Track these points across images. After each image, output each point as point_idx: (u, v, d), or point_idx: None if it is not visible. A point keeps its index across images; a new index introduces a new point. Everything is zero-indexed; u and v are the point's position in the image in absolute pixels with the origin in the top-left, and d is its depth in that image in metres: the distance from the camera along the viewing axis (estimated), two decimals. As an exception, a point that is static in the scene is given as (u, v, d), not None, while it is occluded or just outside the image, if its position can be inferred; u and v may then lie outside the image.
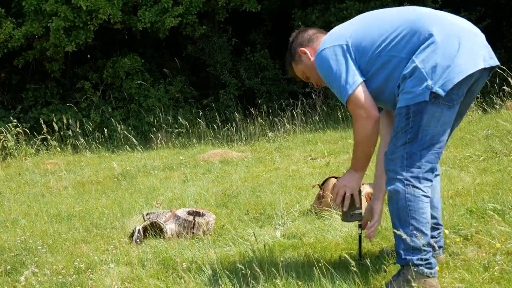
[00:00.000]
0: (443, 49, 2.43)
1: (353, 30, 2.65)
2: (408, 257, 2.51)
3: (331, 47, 2.62)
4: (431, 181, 2.54)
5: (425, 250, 2.51)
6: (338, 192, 2.74)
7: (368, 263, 2.72)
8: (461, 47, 2.43)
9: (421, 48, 2.46)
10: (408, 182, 2.49)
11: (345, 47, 2.60)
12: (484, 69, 2.49)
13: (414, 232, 2.49)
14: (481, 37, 2.55)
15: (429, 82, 2.41)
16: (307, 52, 2.82)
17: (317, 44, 2.80)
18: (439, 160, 2.55)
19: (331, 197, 3.98)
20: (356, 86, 2.54)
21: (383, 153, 2.66)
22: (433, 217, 2.78)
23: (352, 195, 2.74)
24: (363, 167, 2.71)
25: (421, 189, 2.51)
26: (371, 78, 2.59)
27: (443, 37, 2.45)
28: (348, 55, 2.59)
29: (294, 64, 2.90)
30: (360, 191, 2.77)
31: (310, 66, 2.82)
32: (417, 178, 2.50)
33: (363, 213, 2.83)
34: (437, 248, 2.71)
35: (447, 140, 2.62)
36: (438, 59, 2.42)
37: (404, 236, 2.49)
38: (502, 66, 8.50)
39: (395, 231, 2.53)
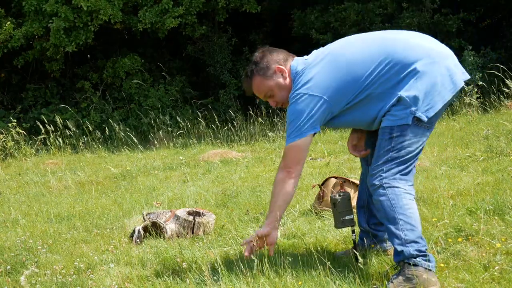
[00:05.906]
0: (424, 78, 2.59)
1: (333, 78, 2.66)
2: (405, 249, 2.56)
3: (311, 95, 2.67)
4: (410, 181, 2.65)
5: (419, 242, 2.57)
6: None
7: (368, 263, 2.72)
8: (441, 74, 2.61)
9: (405, 80, 2.60)
10: (387, 185, 2.61)
11: (322, 101, 2.66)
12: None
13: (405, 226, 2.57)
14: (454, 57, 2.72)
15: (413, 108, 2.58)
16: (286, 71, 2.81)
17: (289, 68, 2.81)
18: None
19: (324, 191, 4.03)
20: (303, 136, 2.67)
21: None
22: None
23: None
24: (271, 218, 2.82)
25: (401, 187, 2.61)
26: (351, 110, 2.71)
27: (424, 67, 2.60)
28: (321, 110, 2.66)
29: (262, 78, 2.82)
30: (349, 196, 2.84)
31: (283, 86, 2.82)
32: (394, 178, 2.62)
33: (354, 218, 2.88)
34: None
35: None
36: (420, 87, 2.58)
37: (396, 232, 2.57)
38: (502, 66, 8.52)
39: (387, 231, 2.63)
